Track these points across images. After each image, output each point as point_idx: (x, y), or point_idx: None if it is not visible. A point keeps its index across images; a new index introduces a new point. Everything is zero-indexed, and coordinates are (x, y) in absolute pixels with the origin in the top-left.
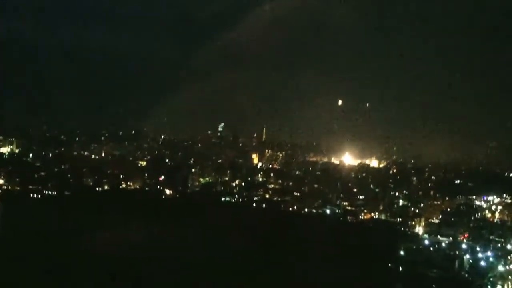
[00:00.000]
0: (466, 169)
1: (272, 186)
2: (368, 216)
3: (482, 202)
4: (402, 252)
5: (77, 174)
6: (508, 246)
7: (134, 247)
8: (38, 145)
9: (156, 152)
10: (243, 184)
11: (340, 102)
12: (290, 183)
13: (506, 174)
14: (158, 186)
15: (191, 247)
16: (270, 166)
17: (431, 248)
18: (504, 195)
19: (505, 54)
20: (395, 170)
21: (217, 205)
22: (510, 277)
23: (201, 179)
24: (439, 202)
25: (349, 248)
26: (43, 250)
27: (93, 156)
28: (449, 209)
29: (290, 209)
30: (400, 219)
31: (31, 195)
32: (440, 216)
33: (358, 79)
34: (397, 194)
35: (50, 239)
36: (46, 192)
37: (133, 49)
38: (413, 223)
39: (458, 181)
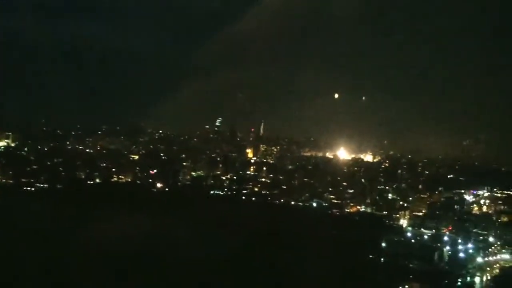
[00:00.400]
0: (461, 164)
1: (263, 180)
2: (354, 209)
3: (471, 196)
4: (384, 244)
5: (69, 168)
6: (490, 239)
7: (115, 239)
8: (34, 139)
9: (151, 146)
10: (234, 178)
11: (336, 96)
12: (281, 177)
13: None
14: (150, 180)
15: (173, 239)
16: (264, 160)
17: (413, 240)
18: (495, 189)
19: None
20: (387, 165)
21: (205, 198)
22: (488, 268)
23: (193, 173)
24: (426, 196)
25: (330, 240)
26: (28, 242)
27: (87, 150)
28: (438, 203)
29: (277, 202)
30: (386, 212)
31: (24, 188)
32: (426, 209)
33: (357, 75)
34: (386, 188)
35: (35, 231)
36: (38, 185)
37: (132, 46)
38: (398, 216)
39: (451, 176)
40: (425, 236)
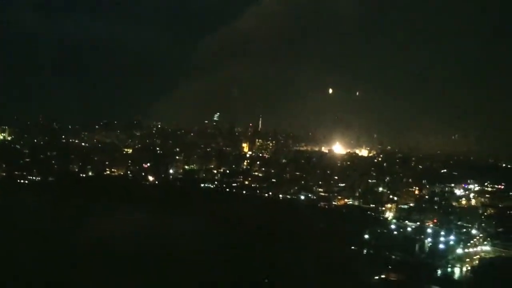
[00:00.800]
0: (456, 159)
1: (256, 173)
2: (342, 202)
3: (461, 190)
4: (366, 236)
5: (63, 161)
6: (473, 231)
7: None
8: (31, 133)
9: (147, 141)
10: (227, 171)
11: (330, 91)
12: (272, 171)
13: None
14: (142, 173)
15: (158, 230)
16: (260, 155)
17: (396, 232)
18: (486, 184)
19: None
20: (380, 159)
21: (194, 191)
22: (468, 259)
23: (186, 167)
24: (415, 189)
25: (314, 232)
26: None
27: (83, 144)
28: (426, 197)
29: (266, 195)
30: (373, 205)
31: (17, 180)
32: (413, 202)
33: (357, 75)
34: (377, 181)
35: (25, 222)
36: (31, 178)
37: (131, 42)
38: (384, 209)
39: (444, 171)
40: (409, 229)
